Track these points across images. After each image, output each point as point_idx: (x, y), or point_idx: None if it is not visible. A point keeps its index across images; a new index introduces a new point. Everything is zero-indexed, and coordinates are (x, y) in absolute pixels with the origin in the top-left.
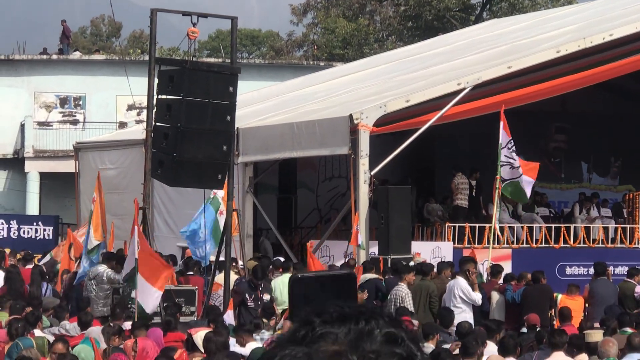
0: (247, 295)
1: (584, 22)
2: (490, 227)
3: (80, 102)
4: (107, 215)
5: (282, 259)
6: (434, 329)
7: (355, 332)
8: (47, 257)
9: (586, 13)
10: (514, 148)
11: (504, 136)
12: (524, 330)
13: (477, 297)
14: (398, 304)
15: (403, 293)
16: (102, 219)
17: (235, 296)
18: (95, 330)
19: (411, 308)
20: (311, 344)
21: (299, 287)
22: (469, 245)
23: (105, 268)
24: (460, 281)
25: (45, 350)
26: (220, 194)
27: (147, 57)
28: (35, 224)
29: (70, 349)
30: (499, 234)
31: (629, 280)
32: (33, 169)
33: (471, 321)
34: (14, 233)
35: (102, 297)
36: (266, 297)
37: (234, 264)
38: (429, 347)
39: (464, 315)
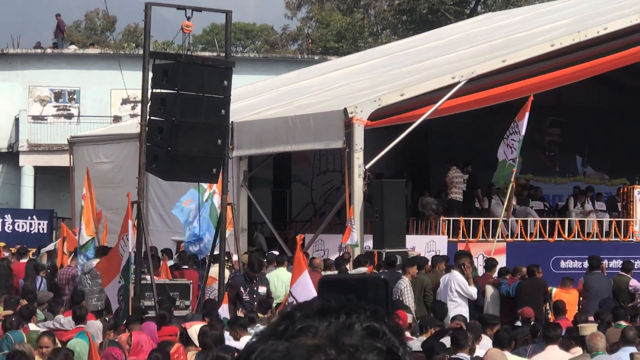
0: (241, 288)
1: (578, 15)
2: (486, 220)
3: (75, 96)
4: (102, 210)
5: (276, 253)
6: (430, 323)
7: (335, 326)
8: (51, 246)
9: (580, 7)
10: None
11: (522, 126)
12: (518, 324)
13: (473, 291)
14: (397, 297)
15: (402, 286)
16: (92, 214)
17: (231, 290)
18: (96, 325)
19: (410, 301)
20: (291, 337)
21: (327, 289)
22: (464, 239)
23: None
24: (457, 275)
25: None
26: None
27: (141, 51)
28: (29, 218)
29: (57, 342)
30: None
31: (623, 273)
32: (27, 163)
33: (467, 315)
34: (9, 227)
35: (96, 291)
36: (262, 289)
37: (226, 258)
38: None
39: (459, 309)
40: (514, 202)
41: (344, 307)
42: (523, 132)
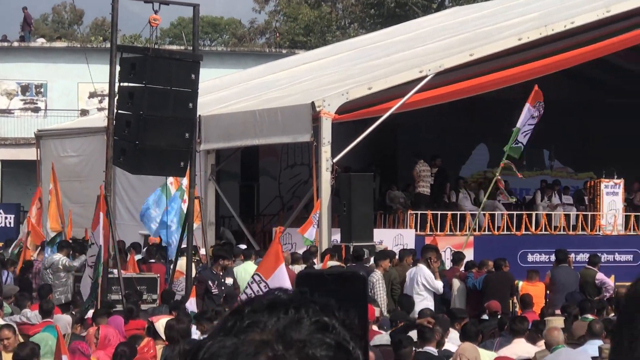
0: (210, 282)
1: (545, 9)
2: (453, 214)
3: (42, 90)
4: (68, 203)
5: (244, 247)
6: (401, 317)
7: (283, 321)
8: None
9: (548, 1)
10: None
11: (526, 113)
12: (485, 317)
13: (439, 285)
14: (369, 291)
15: (374, 279)
16: (59, 209)
17: (199, 285)
18: (65, 319)
19: (382, 294)
20: (239, 333)
21: (305, 284)
22: (431, 233)
23: (60, 256)
24: (423, 269)
25: None
26: (184, 182)
27: (109, 45)
28: None
29: (18, 335)
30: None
31: (590, 267)
32: None
33: (432, 308)
34: None
35: (58, 285)
36: (229, 280)
37: (193, 251)
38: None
39: (425, 302)
40: (482, 196)
41: (293, 302)
42: (518, 124)
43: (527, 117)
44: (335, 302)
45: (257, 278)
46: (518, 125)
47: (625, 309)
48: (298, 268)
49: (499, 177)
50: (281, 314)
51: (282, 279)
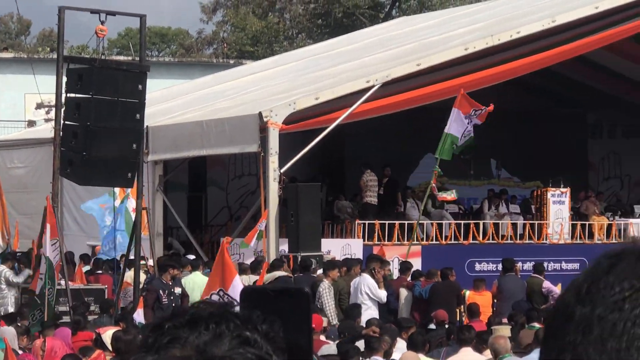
0: (161, 292)
1: (492, 19)
2: (401, 223)
3: None
4: (16, 215)
5: (192, 257)
6: (348, 328)
7: (204, 337)
8: None
9: (494, 11)
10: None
11: (459, 118)
12: (432, 326)
13: (383, 294)
14: (317, 300)
15: (321, 289)
16: (4, 221)
17: (149, 294)
18: (11, 331)
19: (331, 303)
20: (160, 350)
21: (249, 300)
22: (379, 242)
23: (3, 268)
24: (367, 278)
25: None
26: (129, 192)
27: (56, 56)
28: None
29: None
30: (419, 231)
31: (536, 275)
32: None
33: (377, 318)
34: None
35: None
36: (177, 290)
37: (142, 262)
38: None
39: (370, 312)
40: (427, 206)
41: (214, 317)
42: (446, 129)
43: (457, 121)
44: (259, 315)
45: (221, 293)
46: (445, 130)
47: (553, 319)
48: (245, 278)
49: (434, 185)
50: (202, 329)
51: (240, 288)
